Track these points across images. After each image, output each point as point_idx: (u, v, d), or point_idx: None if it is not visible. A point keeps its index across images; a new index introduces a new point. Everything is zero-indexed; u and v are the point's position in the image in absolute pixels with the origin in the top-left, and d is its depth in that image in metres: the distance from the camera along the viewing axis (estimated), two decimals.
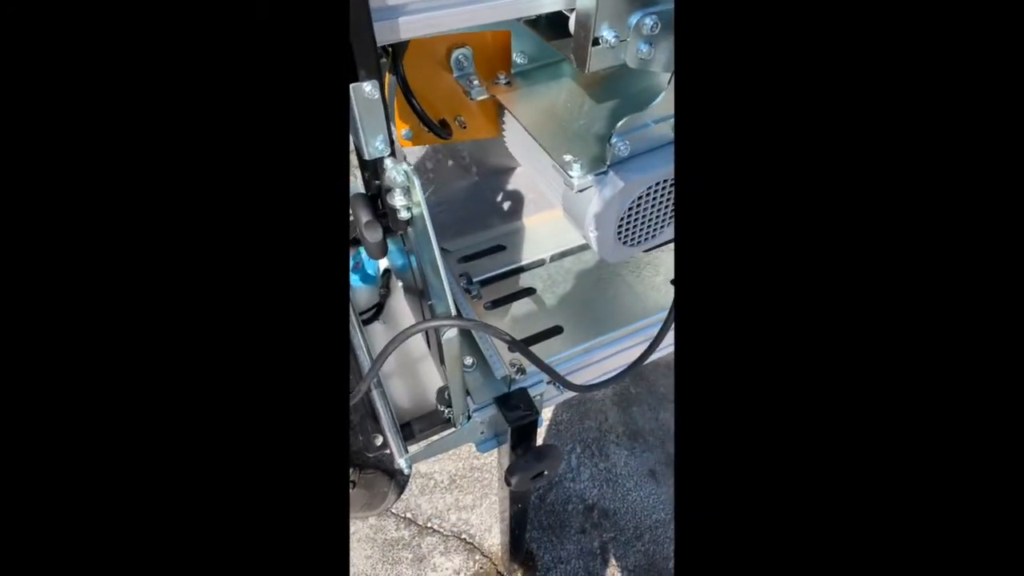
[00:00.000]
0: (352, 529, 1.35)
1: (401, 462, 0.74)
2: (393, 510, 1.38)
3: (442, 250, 0.91)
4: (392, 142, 0.58)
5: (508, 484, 0.74)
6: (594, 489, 1.42)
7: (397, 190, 0.59)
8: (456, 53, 0.69)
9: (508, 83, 0.70)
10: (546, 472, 0.75)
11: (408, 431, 0.80)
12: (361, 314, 0.98)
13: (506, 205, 0.95)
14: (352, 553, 1.32)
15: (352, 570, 1.30)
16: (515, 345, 0.63)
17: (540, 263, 0.90)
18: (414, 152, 0.96)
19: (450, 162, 0.92)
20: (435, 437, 0.77)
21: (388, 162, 0.58)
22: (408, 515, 1.38)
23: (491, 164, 0.93)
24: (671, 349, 0.85)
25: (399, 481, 1.35)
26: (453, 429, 0.76)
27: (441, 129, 0.71)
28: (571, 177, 0.58)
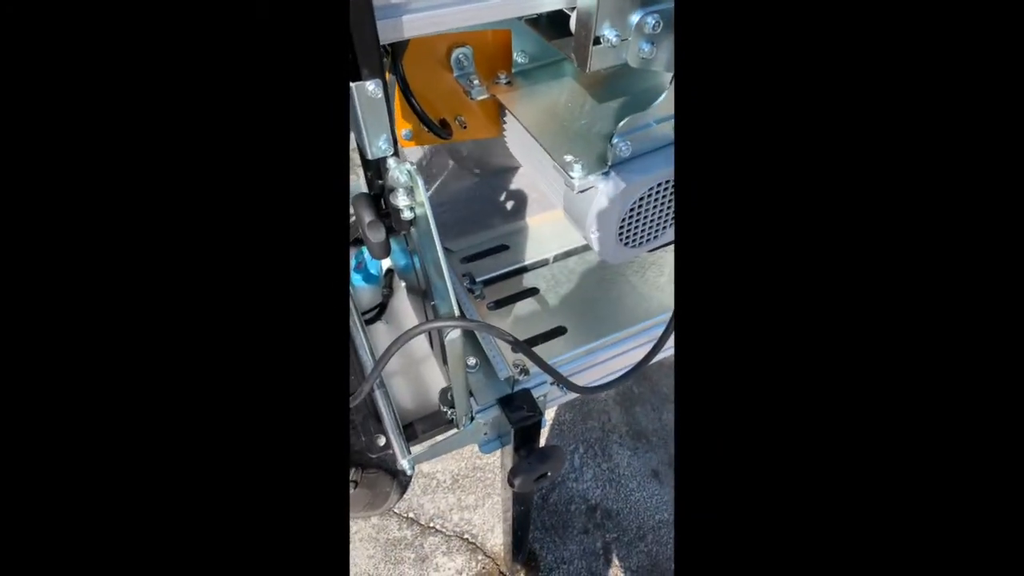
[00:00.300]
0: (354, 529, 1.35)
1: (404, 463, 0.74)
2: (395, 510, 1.38)
3: (445, 250, 0.91)
4: (395, 141, 0.58)
5: (511, 486, 0.74)
6: (597, 489, 1.42)
7: (400, 190, 0.59)
8: (456, 52, 0.68)
9: (509, 83, 0.70)
10: (549, 473, 0.75)
11: (411, 432, 0.80)
12: (364, 314, 0.98)
13: (509, 205, 0.95)
14: (354, 553, 1.32)
15: (354, 570, 1.30)
16: (518, 346, 0.63)
17: (544, 263, 0.90)
18: (415, 151, 0.96)
19: (452, 162, 0.91)
20: (438, 438, 0.77)
21: (391, 162, 0.58)
22: (410, 515, 1.38)
23: (494, 163, 0.93)
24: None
25: (401, 481, 1.35)
26: (456, 430, 0.76)
27: (441, 129, 0.71)
28: (572, 178, 0.58)
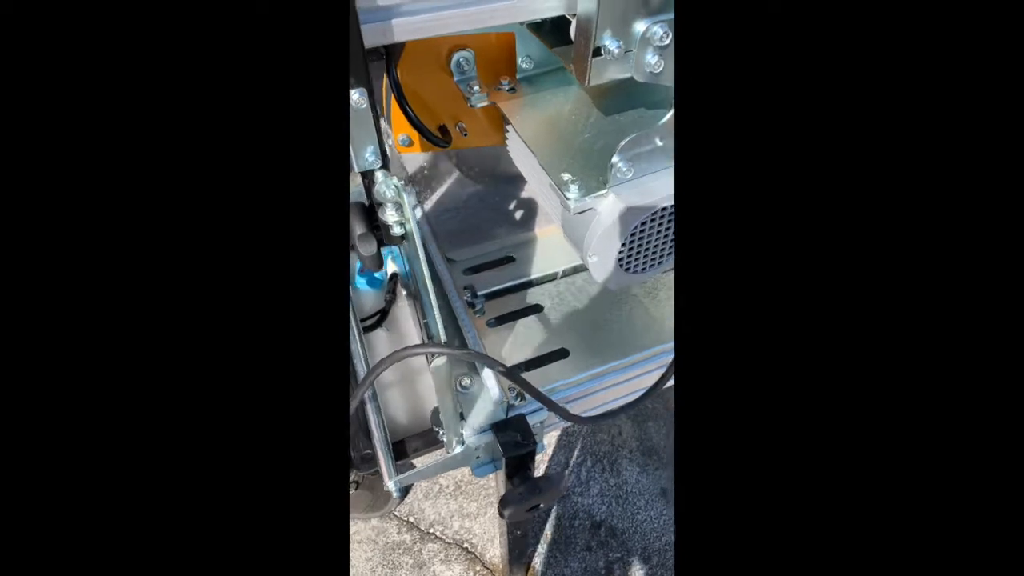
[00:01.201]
0: (354, 530, 1.34)
1: (390, 484, 0.71)
2: (396, 513, 1.37)
3: (447, 260, 0.88)
4: (384, 154, 0.54)
5: (501, 516, 0.71)
6: (603, 506, 1.37)
7: (389, 205, 0.56)
8: (457, 56, 0.64)
9: (512, 89, 0.66)
10: (542, 505, 0.71)
11: (402, 449, 0.77)
12: (364, 320, 0.96)
13: (517, 215, 0.91)
14: (353, 554, 1.31)
15: (352, 572, 1.29)
16: (510, 375, 0.59)
17: (551, 278, 0.85)
18: (419, 156, 0.92)
19: (459, 168, 0.88)
20: (429, 461, 0.73)
21: (379, 175, 0.54)
22: (411, 519, 1.36)
23: (502, 171, 0.89)
24: None
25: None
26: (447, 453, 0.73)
27: (438, 136, 0.67)
28: (568, 199, 0.53)
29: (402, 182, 0.53)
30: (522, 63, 0.67)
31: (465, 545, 1.32)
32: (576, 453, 1.46)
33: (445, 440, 0.70)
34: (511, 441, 0.67)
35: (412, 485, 1.39)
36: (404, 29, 0.48)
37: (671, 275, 0.84)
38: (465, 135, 0.71)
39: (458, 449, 0.70)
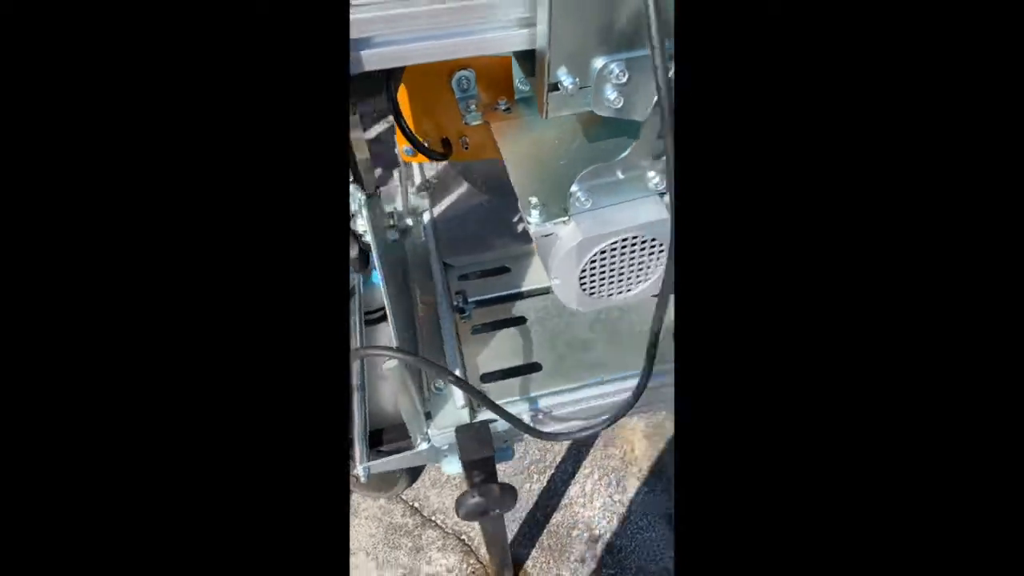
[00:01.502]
0: (363, 506, 1.42)
1: (359, 469, 0.76)
2: (403, 496, 1.43)
3: (444, 265, 0.91)
4: (355, 169, 0.58)
5: (456, 512, 0.74)
6: (603, 520, 1.37)
7: (358, 216, 0.60)
8: (458, 74, 0.67)
9: (507, 109, 0.67)
10: (497, 511, 0.73)
11: (377, 438, 0.82)
12: (372, 312, 1.01)
13: (520, 227, 0.92)
14: (359, 528, 1.39)
15: (356, 544, 1.37)
16: (458, 382, 0.61)
17: (543, 291, 0.87)
18: (437, 164, 0.96)
19: (466, 178, 0.90)
20: (400, 455, 0.77)
21: (350, 188, 0.58)
22: (416, 504, 1.42)
23: (508, 183, 0.91)
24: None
25: (413, 468, 1.38)
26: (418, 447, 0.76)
27: (432, 150, 0.70)
28: (529, 223, 0.54)
29: (364, 198, 0.57)
30: (519, 84, 0.68)
31: (463, 537, 1.36)
32: (584, 465, 1.45)
33: (411, 436, 0.74)
34: (469, 444, 0.69)
35: (422, 471, 1.45)
36: (373, 60, 0.51)
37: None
38: (466, 149, 0.74)
39: (423, 446, 0.73)
